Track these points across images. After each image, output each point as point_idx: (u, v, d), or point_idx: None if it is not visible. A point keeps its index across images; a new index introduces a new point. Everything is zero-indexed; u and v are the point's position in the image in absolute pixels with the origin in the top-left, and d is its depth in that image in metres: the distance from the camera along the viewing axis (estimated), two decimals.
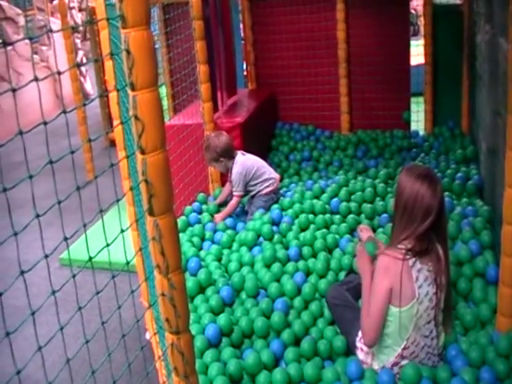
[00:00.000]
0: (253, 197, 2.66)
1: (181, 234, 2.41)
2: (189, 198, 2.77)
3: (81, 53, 7.06)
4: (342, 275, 2.05)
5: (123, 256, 1.10)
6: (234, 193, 2.57)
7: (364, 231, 2.26)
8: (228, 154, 2.54)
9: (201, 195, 2.76)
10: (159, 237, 1.03)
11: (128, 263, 1.08)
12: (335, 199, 2.58)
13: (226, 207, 2.58)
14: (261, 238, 2.31)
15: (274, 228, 2.35)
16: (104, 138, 4.73)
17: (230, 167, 2.56)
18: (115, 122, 1.68)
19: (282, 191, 2.81)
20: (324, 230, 2.34)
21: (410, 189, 1.37)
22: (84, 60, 7.15)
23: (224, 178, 2.83)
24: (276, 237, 2.27)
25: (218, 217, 2.53)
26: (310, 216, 2.45)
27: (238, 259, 2.17)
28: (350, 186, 2.70)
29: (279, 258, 2.13)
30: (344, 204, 2.52)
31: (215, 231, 2.46)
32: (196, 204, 2.66)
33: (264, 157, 3.58)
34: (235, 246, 2.32)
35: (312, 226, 2.38)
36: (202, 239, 2.41)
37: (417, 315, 1.42)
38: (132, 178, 1.49)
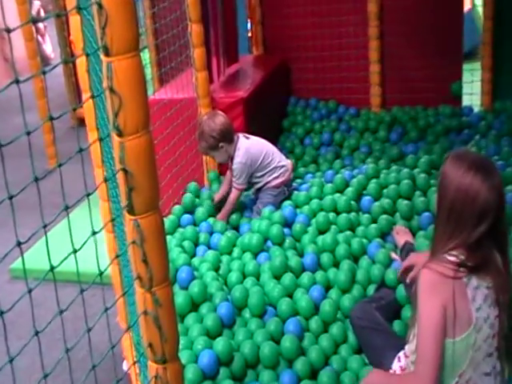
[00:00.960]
0: (259, 190, 2.67)
1: (168, 237, 2.43)
2: (178, 192, 2.79)
3: (37, 3, 6.69)
4: (370, 290, 2.06)
5: (95, 265, 1.09)
6: (234, 184, 2.57)
7: (401, 234, 2.23)
8: (228, 137, 2.54)
9: (193, 184, 2.76)
10: (141, 240, 1.04)
11: (101, 274, 1.08)
12: (363, 194, 2.59)
13: (225, 204, 2.58)
14: (269, 242, 2.32)
15: (286, 230, 2.36)
16: (70, 116, 4.58)
17: (232, 154, 2.56)
18: (84, 96, 1.69)
19: (295, 184, 2.82)
20: (348, 233, 2.35)
21: (459, 183, 1.24)
22: (42, 14, 6.76)
23: (223, 165, 2.84)
24: (288, 241, 2.30)
25: (219, 218, 2.56)
26: (331, 215, 2.46)
27: (240, 268, 2.19)
28: (382, 177, 2.70)
29: (292, 268, 2.14)
30: (374, 200, 2.52)
31: (211, 233, 2.47)
32: (187, 196, 2.66)
33: (273, 141, 3.58)
34: (237, 251, 2.34)
35: (333, 228, 2.39)
36: (196, 243, 2.43)
37: (474, 347, 1.29)
38: (106, 166, 1.50)
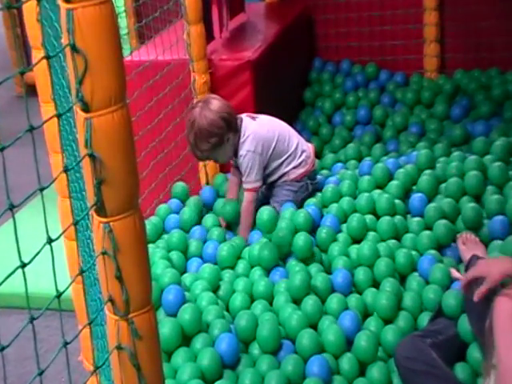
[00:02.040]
0: (272, 185, 2.68)
1: (151, 247, 2.44)
2: (164, 187, 2.83)
3: None
4: (423, 320, 2.07)
5: (50, 284, 1.09)
6: (246, 185, 2.57)
7: (469, 245, 2.20)
8: (233, 124, 2.53)
9: (179, 186, 2.83)
10: (114, 250, 1.05)
11: (58, 296, 1.07)
12: (413, 191, 2.61)
13: (241, 214, 2.59)
14: (282, 252, 2.34)
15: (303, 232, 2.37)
16: (15, 81, 4.51)
17: (236, 145, 2.57)
18: (35, 55, 1.68)
19: (320, 176, 2.84)
20: (392, 243, 2.37)
21: None
22: None
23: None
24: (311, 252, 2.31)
25: (241, 235, 2.57)
26: (369, 218, 2.48)
27: (246, 288, 2.23)
28: (439, 167, 2.71)
29: (316, 288, 2.16)
30: (427, 199, 2.55)
31: (205, 241, 2.50)
32: (173, 201, 2.75)
33: (292, 118, 3.61)
34: (242, 265, 2.37)
35: (371, 236, 2.41)
36: (187, 254, 2.46)
37: None
38: (67, 151, 1.50)
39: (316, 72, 3.92)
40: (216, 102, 2.51)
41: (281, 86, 3.46)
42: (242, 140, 2.54)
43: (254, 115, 2.66)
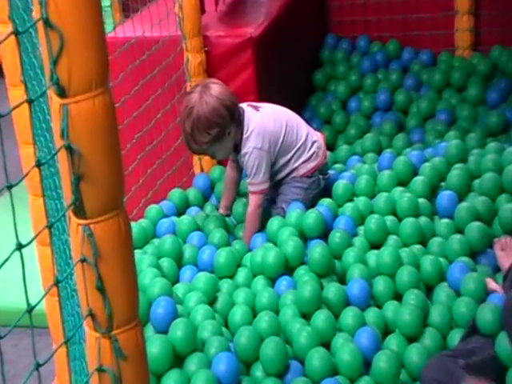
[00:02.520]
0: (280, 182, 2.69)
1: (138, 253, 2.45)
2: (154, 184, 2.83)
3: None
4: (454, 338, 2.07)
5: (20, 297, 1.08)
6: (252, 188, 2.57)
7: (509, 249, 2.19)
8: (236, 114, 2.53)
9: (176, 192, 2.84)
10: (95, 257, 1.05)
11: (30, 311, 1.07)
12: (441, 188, 2.63)
13: (246, 221, 2.60)
14: (292, 262, 2.34)
15: (319, 242, 2.38)
16: None
17: (238, 140, 2.56)
18: (2, 30, 1.66)
19: (332, 171, 2.85)
20: (417, 248, 2.37)
21: None
22: None
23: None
24: None
25: (245, 242, 2.59)
26: (389, 220, 2.49)
27: (247, 300, 2.23)
28: (472, 160, 2.71)
29: (328, 301, 2.16)
30: (458, 198, 2.55)
31: (203, 246, 2.50)
32: (165, 203, 2.78)
33: (300, 104, 3.61)
34: (243, 274, 2.38)
35: (393, 240, 2.41)
36: (179, 262, 2.46)
37: None
38: (40, 142, 1.50)
39: (328, 50, 3.92)
40: (217, 88, 2.48)
41: (287, 68, 3.46)
42: (245, 135, 2.53)
43: (257, 104, 2.65)
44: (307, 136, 2.65)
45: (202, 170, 3.03)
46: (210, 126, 2.44)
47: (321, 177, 2.68)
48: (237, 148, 2.57)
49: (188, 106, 2.47)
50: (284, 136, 2.59)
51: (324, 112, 3.60)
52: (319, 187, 2.68)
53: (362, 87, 3.70)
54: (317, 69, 3.86)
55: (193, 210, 2.76)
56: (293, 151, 2.62)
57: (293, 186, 2.65)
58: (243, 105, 2.60)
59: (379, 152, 3.06)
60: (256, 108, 2.61)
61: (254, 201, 2.56)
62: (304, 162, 2.64)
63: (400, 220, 2.48)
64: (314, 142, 2.66)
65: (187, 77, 2.94)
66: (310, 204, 2.62)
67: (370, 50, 3.87)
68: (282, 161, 2.62)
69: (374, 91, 3.65)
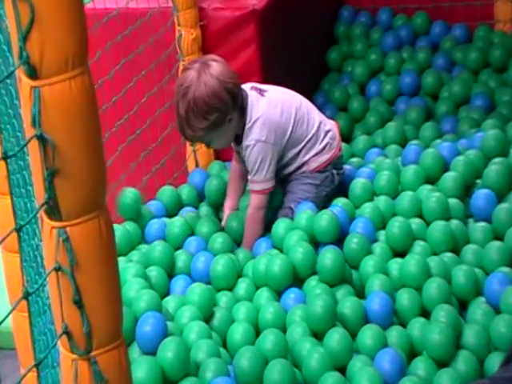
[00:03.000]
0: (287, 178, 2.70)
1: (122, 261, 2.45)
2: (140, 180, 2.84)
3: None
4: (492, 363, 2.05)
5: None
6: (254, 186, 2.58)
7: None
8: (239, 99, 2.53)
9: (167, 190, 2.85)
10: (72, 266, 1.05)
11: None
12: (476, 186, 2.64)
13: (246, 224, 2.61)
14: (301, 272, 2.35)
15: (334, 248, 2.38)
16: None
17: (239, 129, 2.57)
18: None
19: (348, 166, 2.85)
20: (448, 257, 2.37)
21: None
22: None
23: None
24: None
25: (244, 248, 2.60)
26: (416, 223, 2.49)
27: (249, 316, 2.24)
28: None
29: (344, 317, 2.17)
30: (497, 198, 2.56)
31: (198, 253, 2.50)
32: (154, 203, 2.79)
33: (311, 87, 3.60)
34: (244, 285, 2.39)
35: (419, 247, 2.42)
36: (170, 272, 2.47)
37: None
38: (6, 131, 1.50)
39: (344, 25, 3.91)
40: (218, 66, 2.49)
41: (296, 45, 3.46)
42: (247, 125, 2.54)
43: (262, 87, 2.64)
44: (319, 125, 2.65)
45: (197, 164, 3.03)
46: (208, 111, 2.45)
47: (335, 172, 2.68)
48: (238, 138, 2.57)
49: (183, 84, 2.47)
50: (293, 126, 2.59)
51: (339, 97, 3.60)
52: (333, 184, 2.68)
53: (384, 68, 3.69)
54: (330, 46, 3.85)
55: (186, 211, 2.76)
56: (303, 143, 2.62)
57: (302, 183, 2.65)
58: (246, 87, 2.60)
59: (403, 144, 3.06)
60: (261, 92, 2.61)
61: (255, 201, 2.57)
62: (315, 154, 2.64)
63: (428, 223, 2.48)
64: (327, 132, 2.67)
65: (179, 55, 2.94)
66: (323, 204, 2.62)
67: (394, 25, 3.85)
68: (291, 154, 2.62)
69: (397, 72, 3.63)
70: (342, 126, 3.13)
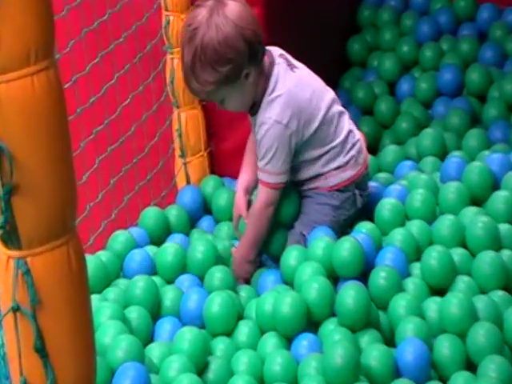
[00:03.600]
0: (299, 193, 2.70)
1: (95, 299, 2.43)
2: (120, 200, 2.86)
3: None
4: None
5: None
6: (263, 176, 2.57)
7: None
8: (260, 51, 2.52)
9: (152, 212, 2.85)
10: (33, 305, 1.06)
11: None
12: None
13: (248, 222, 2.63)
14: (317, 313, 2.35)
15: (357, 284, 2.38)
16: None
17: (258, 96, 2.56)
18: None
19: (374, 183, 2.86)
20: (499, 296, 2.37)
21: None
22: None
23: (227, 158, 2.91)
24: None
25: (236, 258, 2.62)
26: (458, 254, 2.49)
27: (252, 369, 2.25)
28: None
29: (369, 370, 2.17)
30: None
31: (189, 289, 2.51)
32: (136, 229, 2.79)
33: (328, 84, 3.59)
34: (246, 329, 2.40)
35: (463, 283, 2.42)
36: (155, 313, 2.47)
37: None
38: None
39: (369, 9, 3.94)
40: (236, 7, 2.48)
41: (310, 34, 3.47)
42: (269, 95, 2.54)
43: (292, 61, 2.64)
44: (348, 134, 2.66)
45: (188, 180, 3.04)
46: (219, 62, 2.46)
47: (357, 192, 2.68)
48: (254, 107, 2.57)
49: (191, 25, 2.48)
50: (321, 122, 2.59)
51: (363, 97, 3.61)
52: (355, 207, 2.68)
53: (419, 62, 3.70)
54: (352, 35, 3.87)
55: (175, 238, 2.77)
56: (325, 148, 2.62)
57: (318, 203, 2.65)
58: (274, 51, 2.61)
59: (443, 156, 3.07)
60: (291, 65, 2.62)
61: (264, 196, 2.57)
62: (337, 168, 2.64)
63: (473, 254, 2.48)
64: (354, 144, 2.67)
65: (167, 47, 2.96)
66: (342, 230, 2.63)
67: (431, 8, 3.87)
68: (308, 155, 2.61)
69: (435, 68, 3.64)
70: (367, 134, 3.12)
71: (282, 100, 2.52)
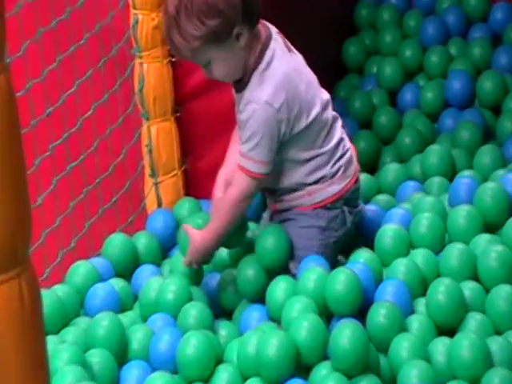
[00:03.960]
0: (277, 215, 2.72)
1: (52, 341, 2.42)
2: (81, 226, 2.85)
3: None
4: None
5: None
6: (244, 162, 2.57)
7: None
8: (255, 16, 2.54)
9: (117, 240, 2.85)
10: None
11: None
12: None
13: (220, 209, 2.61)
14: (307, 356, 2.34)
15: (353, 322, 2.37)
16: None
17: (249, 68, 2.56)
18: None
19: (373, 206, 2.89)
20: None
21: None
22: None
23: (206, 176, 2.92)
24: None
25: (192, 254, 2.62)
26: (470, 288, 2.49)
27: None
28: None
29: None
30: None
31: (158, 330, 2.50)
32: (99, 260, 2.77)
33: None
34: (226, 375, 2.39)
35: (475, 322, 2.41)
36: (121, 357, 2.46)
37: None
38: None
39: (367, 8, 3.97)
40: None
41: (298, 34, 3.43)
42: (261, 72, 2.55)
43: (289, 44, 2.67)
44: (339, 142, 2.67)
45: (159, 203, 3.03)
46: (208, 13, 2.47)
47: (346, 209, 2.69)
48: (241, 82, 2.58)
49: None
50: (314, 120, 2.60)
51: (360, 108, 3.63)
52: (344, 226, 2.69)
53: (424, 68, 3.73)
54: (348, 37, 3.90)
55: (145, 269, 2.78)
56: (313, 152, 2.63)
57: (301, 226, 2.66)
58: (271, 27, 2.63)
59: (451, 175, 3.08)
60: (288, 47, 2.65)
61: (243, 184, 2.56)
62: (323, 179, 2.65)
63: (487, 289, 2.48)
64: (344, 154, 2.68)
65: (135, 50, 2.97)
66: (333, 256, 2.64)
67: (438, 7, 3.90)
68: (293, 155, 2.62)
69: (442, 75, 3.66)
70: (365, 149, 3.15)
71: (275, 81, 2.54)
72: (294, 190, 2.66)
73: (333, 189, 2.65)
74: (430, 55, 3.72)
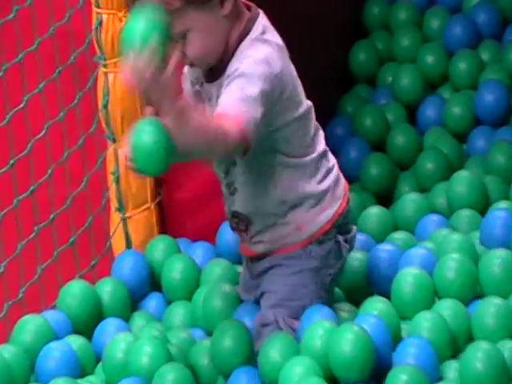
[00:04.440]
0: (260, 264, 2.72)
1: None
2: (33, 271, 2.85)
3: None
4: None
5: None
6: (239, 106, 2.48)
7: None
8: None
9: (76, 287, 2.87)
10: None
11: None
12: None
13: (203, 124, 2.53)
14: None
15: None
16: None
17: (231, 45, 2.58)
18: None
19: (389, 246, 2.92)
20: None
21: None
22: None
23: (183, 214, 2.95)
24: None
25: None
26: (510, 349, 2.46)
27: None
28: None
29: None
30: None
31: None
32: (54, 313, 2.78)
33: (324, 107, 3.61)
34: None
35: None
36: None
37: None
38: None
39: (379, 5, 4.01)
40: None
41: (298, 38, 3.46)
42: (253, 36, 2.58)
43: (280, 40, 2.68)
44: (324, 153, 2.69)
45: (128, 243, 3.01)
46: None
47: (341, 238, 2.69)
48: (217, 69, 2.59)
49: None
50: (302, 115, 2.63)
51: (371, 126, 3.65)
52: (341, 259, 2.70)
53: (449, 78, 3.74)
54: (357, 41, 3.94)
55: (110, 324, 2.76)
56: (296, 160, 2.63)
57: (292, 273, 2.65)
58: (261, 12, 2.66)
59: (483, 208, 3.08)
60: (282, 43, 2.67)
61: (239, 123, 2.39)
62: (309, 198, 2.65)
63: None
64: (330, 170, 2.70)
65: (99, 57, 2.98)
66: (332, 296, 2.67)
67: (465, 4, 3.92)
68: (279, 154, 2.62)
69: (472, 86, 3.67)
70: (378, 176, 3.17)
71: (271, 47, 2.58)
72: (274, 222, 2.66)
73: (323, 217, 2.66)
74: (457, 62, 3.74)
